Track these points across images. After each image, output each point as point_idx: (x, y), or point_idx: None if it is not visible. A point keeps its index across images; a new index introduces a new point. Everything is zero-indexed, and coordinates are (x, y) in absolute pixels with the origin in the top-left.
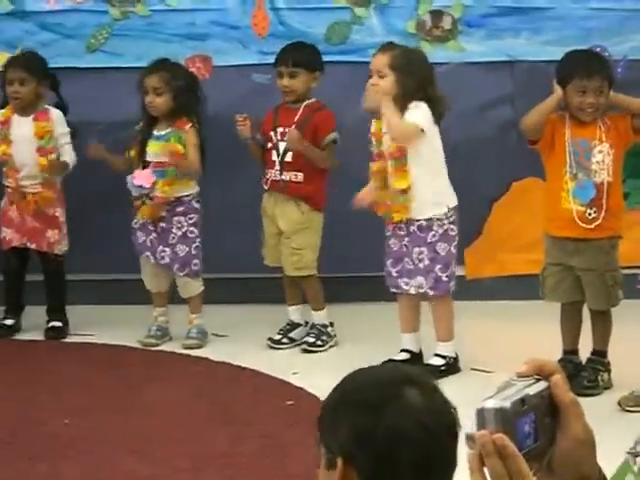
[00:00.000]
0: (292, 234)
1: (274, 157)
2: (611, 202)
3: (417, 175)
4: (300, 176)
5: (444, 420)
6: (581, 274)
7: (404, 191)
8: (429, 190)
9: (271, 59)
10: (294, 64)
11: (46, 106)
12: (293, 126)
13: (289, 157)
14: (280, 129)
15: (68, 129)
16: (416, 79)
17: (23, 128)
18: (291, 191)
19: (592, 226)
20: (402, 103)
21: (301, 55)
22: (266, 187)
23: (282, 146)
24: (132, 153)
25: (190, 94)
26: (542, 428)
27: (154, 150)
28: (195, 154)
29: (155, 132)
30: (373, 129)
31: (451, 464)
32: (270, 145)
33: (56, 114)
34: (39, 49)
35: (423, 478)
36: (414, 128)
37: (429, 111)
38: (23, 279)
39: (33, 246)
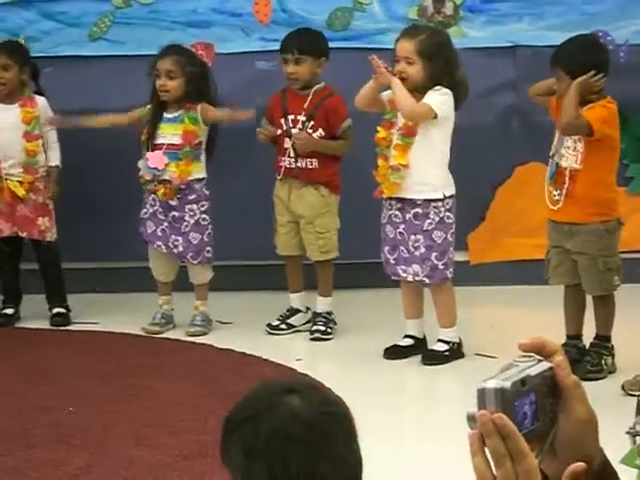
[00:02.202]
0: (315, 218)
1: (286, 144)
2: (576, 190)
3: (421, 158)
4: (315, 162)
5: (325, 410)
6: (576, 257)
7: (400, 168)
8: (428, 174)
9: (273, 46)
10: (300, 51)
11: (28, 93)
12: (303, 114)
13: None
14: (291, 116)
15: (55, 139)
16: (443, 64)
17: (8, 115)
18: (307, 178)
19: (555, 208)
20: (430, 88)
21: (306, 41)
22: (279, 175)
23: (294, 133)
24: (142, 137)
25: (203, 80)
26: (543, 409)
27: (166, 132)
28: (213, 113)
29: (166, 115)
30: (389, 97)
31: (346, 454)
32: (281, 132)
33: (42, 101)
34: (42, 38)
35: (315, 473)
36: (427, 109)
37: (452, 99)
38: (18, 268)
39: (24, 235)
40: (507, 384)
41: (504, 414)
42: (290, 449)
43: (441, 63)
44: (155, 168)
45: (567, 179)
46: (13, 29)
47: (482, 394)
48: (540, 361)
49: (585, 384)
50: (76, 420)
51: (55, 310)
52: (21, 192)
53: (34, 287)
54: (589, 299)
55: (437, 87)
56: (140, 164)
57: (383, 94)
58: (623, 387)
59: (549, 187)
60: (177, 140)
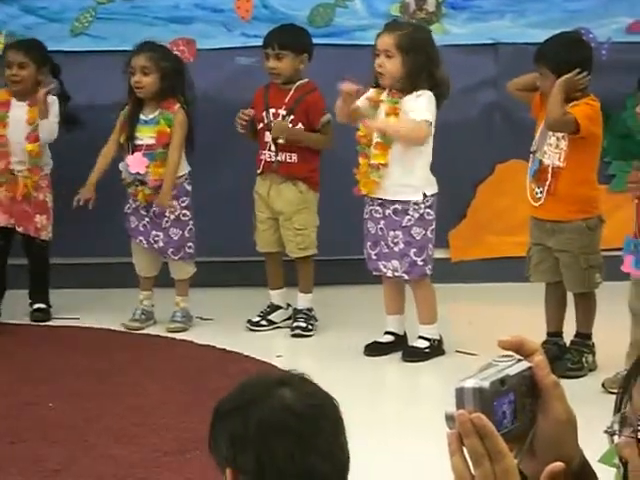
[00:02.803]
0: (293, 215)
1: (267, 138)
2: (558, 187)
3: (404, 160)
4: (294, 157)
5: (315, 403)
6: (557, 255)
7: (379, 167)
8: (410, 176)
9: (255, 42)
10: (280, 46)
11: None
12: (283, 108)
13: (282, 139)
14: (272, 110)
15: (57, 117)
16: (422, 60)
17: (19, 112)
18: (286, 172)
19: (537, 205)
20: (408, 84)
21: (287, 37)
22: (259, 170)
23: (273, 121)
24: (121, 139)
25: (177, 75)
26: (522, 409)
27: (143, 134)
28: (178, 140)
29: (142, 117)
30: (371, 94)
31: (335, 447)
32: (262, 125)
33: (50, 100)
34: (23, 33)
35: (305, 464)
36: (426, 127)
37: (433, 99)
38: (5, 262)
39: (20, 229)
40: (486, 384)
41: (483, 414)
42: (279, 440)
43: (420, 59)
44: (137, 173)
45: (550, 176)
46: None
47: (460, 393)
48: (519, 360)
49: (565, 382)
50: (56, 416)
51: (36, 306)
52: (29, 189)
53: (15, 283)
54: (570, 297)
55: (418, 92)
56: (121, 167)
57: (358, 102)
58: (603, 385)
59: (531, 184)
60: (153, 141)
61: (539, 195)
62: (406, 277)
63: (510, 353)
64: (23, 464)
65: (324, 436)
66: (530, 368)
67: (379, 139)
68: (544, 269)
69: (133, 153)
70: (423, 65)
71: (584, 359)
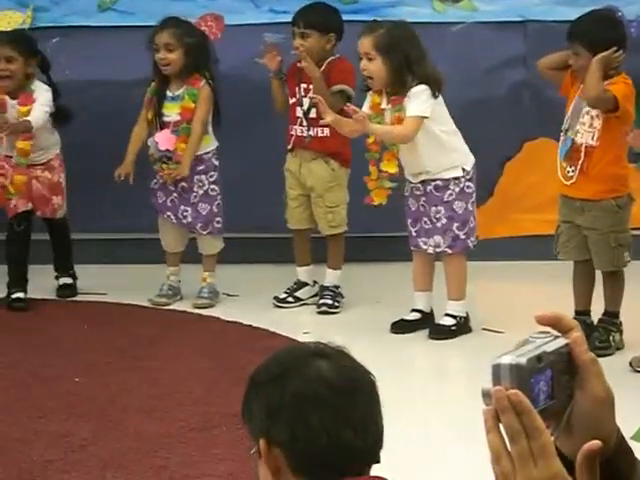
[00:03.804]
0: (324, 192)
1: (298, 113)
2: (590, 166)
3: (426, 150)
4: (327, 131)
5: (352, 377)
6: (587, 233)
7: (391, 175)
8: (440, 160)
9: (283, 18)
10: (305, 25)
11: (32, 86)
12: None
13: (313, 113)
14: (304, 85)
15: (48, 104)
16: (403, 58)
17: (11, 111)
18: (317, 147)
19: (568, 183)
20: (396, 83)
21: (314, 16)
22: (289, 146)
23: (306, 102)
24: (149, 116)
25: (202, 51)
26: (559, 386)
27: (171, 111)
28: (202, 115)
29: (169, 93)
30: (371, 102)
31: (369, 422)
32: (294, 100)
33: (40, 90)
34: (51, 7)
35: (338, 437)
36: (417, 122)
37: (427, 89)
38: (28, 251)
39: (38, 213)
40: (523, 360)
41: (519, 390)
42: (314, 411)
43: (401, 56)
44: (166, 150)
45: (582, 155)
46: None
47: (497, 370)
48: (556, 337)
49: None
50: (83, 391)
51: (62, 280)
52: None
53: (38, 257)
54: (598, 275)
55: (412, 91)
56: (150, 143)
57: (364, 108)
58: (631, 364)
59: (562, 163)
60: (178, 118)
61: (571, 174)
62: (449, 251)
63: (547, 329)
64: (49, 439)
65: (359, 410)
66: (567, 345)
67: (388, 147)
68: (573, 247)
69: (161, 130)
70: (405, 62)
71: (611, 337)
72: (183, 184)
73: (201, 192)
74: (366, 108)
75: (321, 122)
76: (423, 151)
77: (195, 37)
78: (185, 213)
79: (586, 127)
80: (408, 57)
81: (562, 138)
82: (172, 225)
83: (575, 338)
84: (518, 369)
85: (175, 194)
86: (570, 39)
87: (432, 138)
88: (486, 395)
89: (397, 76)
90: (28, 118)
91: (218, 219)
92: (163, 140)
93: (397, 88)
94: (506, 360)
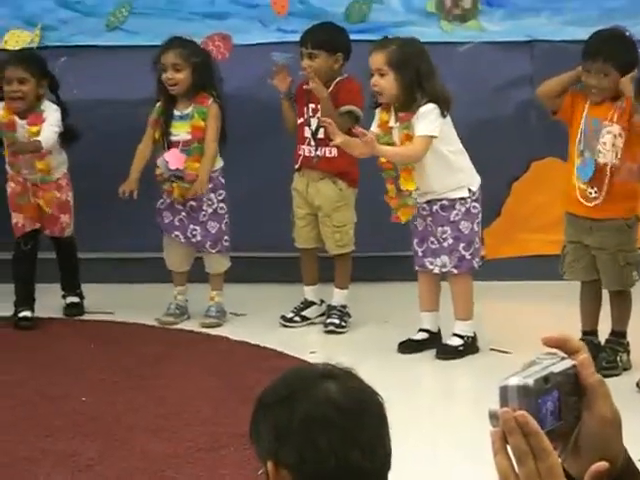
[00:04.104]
0: (332, 212)
1: (306, 133)
2: (615, 185)
3: (434, 170)
4: (334, 151)
5: (360, 398)
6: (595, 253)
7: (410, 192)
8: (447, 180)
9: (291, 37)
10: (313, 45)
11: (42, 106)
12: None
13: (321, 133)
14: (312, 105)
15: (57, 124)
16: (415, 74)
17: (22, 132)
18: (325, 167)
19: (592, 205)
20: (406, 99)
21: (321, 36)
22: (297, 165)
23: (314, 123)
24: (156, 135)
25: (208, 69)
26: (566, 407)
27: (179, 130)
28: (213, 133)
29: (177, 112)
30: (379, 121)
31: (377, 444)
32: (302, 120)
33: (49, 110)
34: (59, 26)
35: (346, 459)
36: (425, 142)
37: (436, 109)
38: (35, 269)
39: (47, 232)
40: (530, 381)
41: (527, 412)
42: (323, 433)
43: (413, 73)
44: (176, 169)
45: (608, 175)
46: (30, 17)
47: (504, 391)
48: (563, 358)
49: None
50: (89, 410)
51: (69, 299)
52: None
53: (47, 276)
54: (605, 295)
55: (421, 109)
56: (159, 163)
57: (372, 128)
58: (638, 384)
59: (582, 185)
60: (189, 137)
61: (594, 195)
62: (455, 271)
63: (554, 351)
64: (56, 458)
65: (367, 432)
66: (574, 366)
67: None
68: (580, 267)
69: (169, 149)
70: (416, 79)
71: (618, 358)
72: (192, 203)
73: (210, 210)
74: (374, 126)
75: (331, 144)
76: (430, 171)
77: (201, 56)
78: (194, 232)
79: (608, 147)
80: (419, 73)
81: (579, 160)
82: (178, 244)
83: (582, 360)
84: (525, 390)
85: (184, 213)
86: (597, 59)
87: (439, 158)
88: (493, 416)
89: (408, 92)
90: (38, 138)
91: (226, 237)
92: (173, 159)
93: (407, 104)
94: (513, 381)
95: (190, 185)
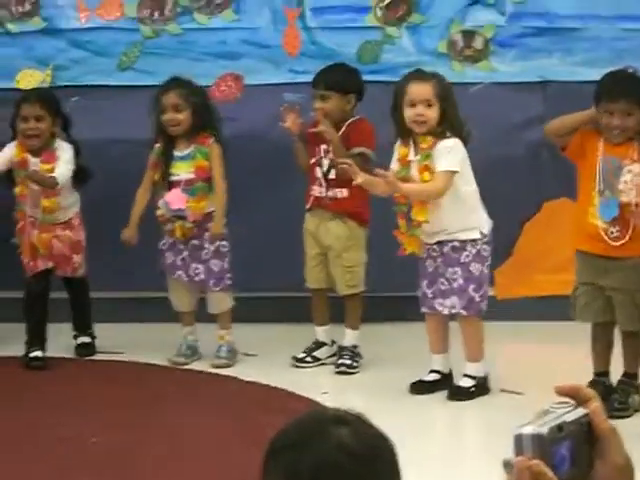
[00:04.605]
0: (342, 252)
1: (318, 174)
2: (638, 224)
3: (449, 208)
4: (345, 192)
5: (371, 444)
6: (612, 294)
7: (421, 223)
8: (461, 221)
9: (302, 78)
10: (325, 87)
11: (55, 145)
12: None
13: (332, 174)
14: (324, 146)
15: (71, 163)
16: (454, 106)
17: (33, 169)
18: (336, 207)
19: (617, 244)
20: (442, 130)
21: (333, 78)
22: (308, 205)
23: (325, 163)
24: (156, 177)
25: (207, 109)
26: (579, 455)
27: (180, 170)
28: (221, 171)
29: (177, 153)
30: (398, 155)
31: None
32: (314, 161)
33: (63, 149)
34: (71, 66)
35: None
36: (447, 177)
37: (460, 144)
38: (46, 310)
39: (59, 272)
40: (544, 430)
41: (541, 460)
42: (335, 479)
43: (453, 105)
44: (178, 209)
45: (632, 214)
46: (42, 58)
47: (519, 440)
48: (576, 407)
49: (611, 422)
50: (100, 451)
51: (80, 340)
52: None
53: (58, 316)
54: (617, 335)
55: (447, 144)
56: (160, 204)
57: (392, 165)
58: None
59: (604, 224)
60: (192, 176)
61: (616, 234)
62: (465, 313)
63: (566, 399)
64: None
65: (380, 478)
66: (587, 415)
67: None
68: (594, 309)
69: (170, 190)
70: (454, 110)
71: (630, 399)
72: (194, 242)
73: (212, 249)
74: (394, 161)
75: (353, 183)
76: (445, 208)
77: (200, 96)
78: (197, 271)
79: (630, 185)
80: (456, 105)
81: (599, 199)
82: (182, 285)
83: (594, 408)
84: (539, 439)
85: (186, 252)
86: (619, 100)
87: (456, 195)
88: (508, 465)
89: (448, 123)
90: (54, 174)
91: (229, 275)
92: (175, 200)
93: (442, 134)
94: (528, 430)
95: (193, 225)
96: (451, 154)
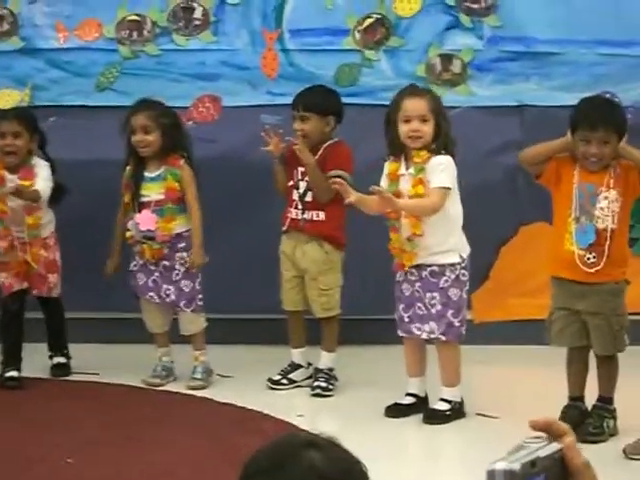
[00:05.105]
0: (318, 275)
1: (295, 196)
2: (614, 249)
3: (437, 227)
4: (321, 215)
5: (343, 468)
6: (587, 318)
7: (416, 236)
8: (446, 243)
9: (280, 100)
10: (305, 108)
11: (33, 162)
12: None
13: (309, 197)
14: (301, 169)
15: (50, 179)
16: (447, 121)
17: (10, 185)
18: (312, 230)
19: (592, 270)
20: (437, 146)
21: (313, 99)
22: (284, 227)
23: (302, 186)
24: (126, 198)
25: (177, 130)
26: None
27: (150, 191)
28: (194, 193)
29: (147, 174)
30: (388, 170)
31: None
32: (292, 183)
33: (40, 166)
34: (49, 86)
35: None
36: (442, 193)
37: (452, 162)
38: (22, 329)
39: (35, 292)
40: (517, 466)
41: None
42: None
43: (446, 120)
44: (148, 230)
45: (608, 240)
46: (20, 77)
47: (492, 476)
48: (550, 442)
49: (586, 447)
50: (75, 472)
51: (56, 360)
52: (31, 263)
53: (32, 336)
54: (592, 360)
55: (440, 161)
56: (130, 226)
57: (382, 182)
58: (624, 451)
59: (581, 251)
60: (161, 197)
61: (592, 260)
62: (443, 338)
63: (540, 434)
64: None
65: None
66: (561, 450)
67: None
68: (571, 333)
69: (140, 211)
70: (447, 125)
71: (605, 424)
72: (165, 262)
73: (183, 269)
74: (384, 177)
75: (345, 202)
76: (431, 226)
77: (170, 117)
78: (168, 291)
79: (605, 211)
80: (448, 120)
81: (575, 226)
82: (155, 306)
83: (568, 443)
84: (512, 475)
85: (157, 273)
86: (597, 128)
87: (443, 215)
88: None
89: (442, 138)
90: (36, 188)
91: (200, 296)
92: (144, 220)
93: (436, 150)
94: (500, 466)
95: (160, 245)
96: (445, 172)
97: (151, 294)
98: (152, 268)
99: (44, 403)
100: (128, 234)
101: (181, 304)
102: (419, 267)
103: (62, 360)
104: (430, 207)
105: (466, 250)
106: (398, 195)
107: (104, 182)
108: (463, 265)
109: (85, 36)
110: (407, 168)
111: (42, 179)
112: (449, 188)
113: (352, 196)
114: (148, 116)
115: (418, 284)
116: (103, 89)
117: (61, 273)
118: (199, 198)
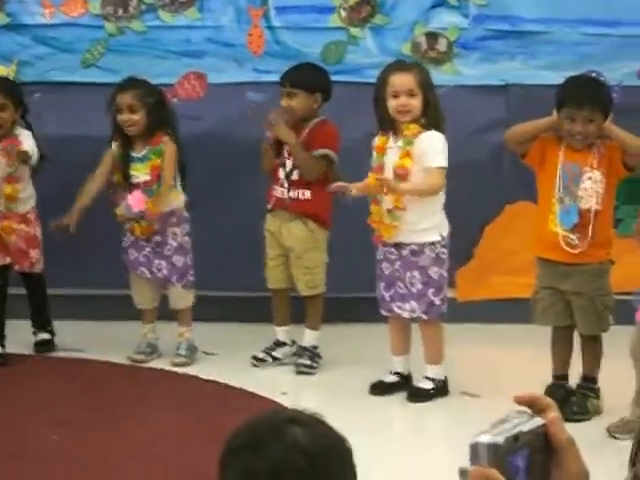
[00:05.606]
0: (303, 253)
1: (281, 175)
2: (597, 230)
3: (420, 204)
4: (307, 193)
5: (326, 444)
6: (572, 298)
7: (398, 209)
8: (426, 220)
9: (266, 77)
10: (292, 84)
11: (17, 132)
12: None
13: (295, 175)
14: (287, 147)
15: (35, 146)
16: (435, 95)
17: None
18: (297, 209)
19: (576, 252)
20: (426, 120)
21: (300, 76)
22: (269, 206)
23: (289, 164)
24: (116, 178)
25: (163, 109)
26: (535, 465)
27: (139, 172)
28: (171, 168)
29: (134, 154)
30: (376, 143)
31: None
32: (278, 161)
33: (24, 135)
34: (34, 62)
35: None
36: (441, 173)
37: (444, 138)
38: (4, 306)
39: (17, 267)
40: (500, 439)
41: (496, 469)
42: (290, 479)
43: (434, 94)
44: (140, 211)
45: (592, 221)
46: (6, 53)
47: (475, 449)
48: (533, 417)
49: (570, 426)
50: (58, 449)
51: (40, 336)
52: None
53: (18, 313)
54: (576, 339)
55: (430, 134)
56: (122, 207)
57: (375, 140)
58: (608, 430)
59: (564, 231)
60: (148, 177)
61: (576, 242)
62: (425, 317)
63: (524, 409)
64: None
65: (335, 478)
66: (544, 425)
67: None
68: (555, 312)
69: (131, 192)
70: (435, 100)
71: (589, 403)
72: (157, 238)
73: (175, 244)
74: (373, 149)
75: (347, 194)
76: (412, 203)
77: (155, 96)
78: (160, 266)
79: (590, 192)
80: (436, 95)
81: (559, 206)
82: (145, 281)
83: (551, 418)
84: (495, 448)
85: (148, 249)
86: (583, 106)
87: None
88: (463, 474)
89: (431, 113)
90: (25, 149)
91: (191, 272)
92: (136, 201)
93: (426, 125)
94: (484, 439)
95: (150, 223)
96: (441, 151)
97: (142, 269)
98: (143, 243)
99: (29, 380)
100: (118, 212)
101: (173, 279)
102: (399, 246)
103: (46, 336)
104: (430, 189)
105: (446, 228)
106: (381, 168)
107: (89, 158)
108: (443, 244)
109: (71, 12)
110: (395, 142)
111: (27, 146)
112: (445, 167)
113: (354, 190)
114: (134, 95)
115: (398, 263)
116: (89, 66)
117: (42, 248)
118: (186, 177)
